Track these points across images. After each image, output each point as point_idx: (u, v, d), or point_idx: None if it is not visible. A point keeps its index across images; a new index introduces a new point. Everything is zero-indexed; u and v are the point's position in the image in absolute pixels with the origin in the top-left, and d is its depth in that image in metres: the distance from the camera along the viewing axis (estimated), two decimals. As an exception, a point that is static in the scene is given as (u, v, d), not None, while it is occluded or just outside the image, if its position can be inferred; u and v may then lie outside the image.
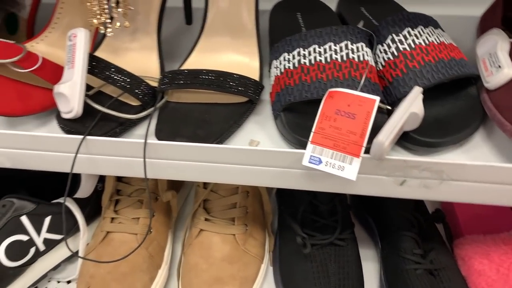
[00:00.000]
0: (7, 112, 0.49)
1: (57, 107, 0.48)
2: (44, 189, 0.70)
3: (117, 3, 0.52)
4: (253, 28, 0.55)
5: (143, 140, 0.46)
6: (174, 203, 0.67)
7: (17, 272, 0.63)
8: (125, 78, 0.49)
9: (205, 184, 0.67)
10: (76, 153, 0.47)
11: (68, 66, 0.47)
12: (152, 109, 0.49)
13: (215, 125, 0.48)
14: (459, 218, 0.71)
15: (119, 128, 0.49)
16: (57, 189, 0.70)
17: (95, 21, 0.51)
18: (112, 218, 0.65)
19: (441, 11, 0.72)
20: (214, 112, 0.49)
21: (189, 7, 0.68)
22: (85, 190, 0.68)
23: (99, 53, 0.56)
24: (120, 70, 0.50)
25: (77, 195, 0.68)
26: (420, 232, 0.63)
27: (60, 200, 0.66)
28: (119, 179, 0.67)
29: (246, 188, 0.67)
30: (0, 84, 0.51)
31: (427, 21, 0.51)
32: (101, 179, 0.72)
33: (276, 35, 0.60)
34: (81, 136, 0.46)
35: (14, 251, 0.62)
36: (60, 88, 0.46)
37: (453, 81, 0.49)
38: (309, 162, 0.43)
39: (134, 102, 0.51)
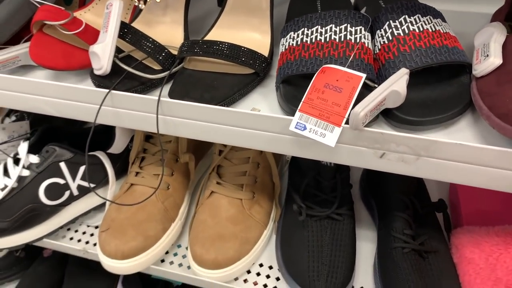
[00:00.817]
0: (52, 65, 0.58)
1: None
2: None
3: (152, -20, 0.60)
4: (267, 10, 0.61)
5: (157, 97, 0.53)
6: (192, 166, 0.74)
7: (53, 210, 0.73)
8: (149, 44, 0.57)
9: (220, 152, 0.74)
10: (101, 104, 0.55)
11: (103, 30, 0.55)
12: (167, 72, 0.56)
13: (220, 90, 0.54)
14: (462, 210, 0.72)
15: (140, 87, 0.57)
16: (96, 145, 0.80)
17: None
18: (137, 173, 0.73)
19: (462, 8, 0.74)
20: (223, 80, 0.55)
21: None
22: (117, 147, 0.77)
23: (135, 24, 0.64)
24: (145, 37, 0.57)
25: (110, 151, 0.77)
26: (416, 216, 0.66)
27: (95, 152, 0.75)
28: (146, 139, 0.75)
29: (257, 159, 0.73)
30: (49, 43, 0.60)
31: (427, 11, 0.54)
32: (132, 139, 0.81)
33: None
34: (107, 90, 0.54)
35: (51, 192, 0.72)
36: (94, 47, 0.54)
37: (448, 68, 0.52)
38: (295, 127, 0.48)
39: (156, 67, 0.58)
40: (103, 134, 0.79)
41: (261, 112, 0.55)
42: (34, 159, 0.72)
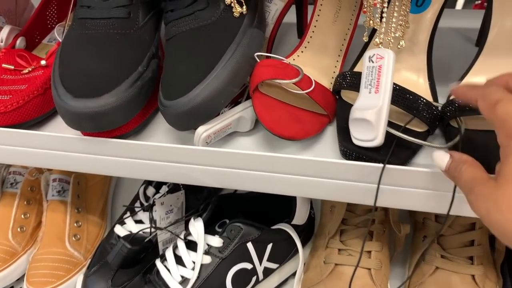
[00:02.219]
0: (292, 135, 0.46)
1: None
2: (252, 213, 0.68)
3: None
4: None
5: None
6: (403, 237, 0.62)
7: (237, 302, 0.60)
8: (414, 101, 0.45)
9: (437, 218, 0.61)
10: (379, 183, 0.43)
11: (369, 90, 0.43)
12: (456, 139, 0.44)
13: None
14: None
15: (411, 156, 0.45)
16: (262, 213, 0.67)
17: (377, 40, 0.47)
18: (339, 250, 0.61)
19: None
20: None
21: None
22: (301, 217, 0.65)
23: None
24: (411, 93, 0.45)
25: (294, 222, 0.64)
26: None
27: (281, 226, 0.62)
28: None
29: (482, 223, 0.61)
30: (272, 105, 0.48)
31: None
32: (312, 206, 0.69)
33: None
34: (381, 165, 0.42)
35: (239, 280, 0.59)
36: (366, 114, 0.42)
37: None
38: None
39: (419, 128, 0.47)
40: (276, 201, 0.67)
41: None
42: (215, 241, 0.59)
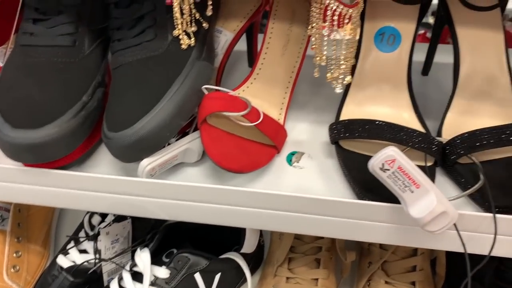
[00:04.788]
0: (240, 168, 0.46)
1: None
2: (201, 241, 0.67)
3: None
4: (508, 85, 0.52)
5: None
6: (349, 264, 0.63)
7: (184, 334, 0.59)
8: (417, 137, 0.46)
9: (381, 244, 0.63)
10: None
11: (410, 190, 0.40)
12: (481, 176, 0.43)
13: None
14: None
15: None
16: (211, 241, 0.67)
17: (329, 74, 0.48)
18: (288, 278, 0.61)
19: None
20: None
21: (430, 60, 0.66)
22: (250, 245, 0.65)
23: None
24: (413, 130, 0.46)
25: (243, 250, 0.64)
26: None
27: (230, 255, 0.62)
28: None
29: (424, 249, 0.63)
30: (219, 137, 0.48)
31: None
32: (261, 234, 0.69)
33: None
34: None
35: (186, 312, 0.58)
36: (435, 211, 0.40)
37: None
38: None
39: (428, 162, 0.47)
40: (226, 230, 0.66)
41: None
42: (162, 272, 0.58)
